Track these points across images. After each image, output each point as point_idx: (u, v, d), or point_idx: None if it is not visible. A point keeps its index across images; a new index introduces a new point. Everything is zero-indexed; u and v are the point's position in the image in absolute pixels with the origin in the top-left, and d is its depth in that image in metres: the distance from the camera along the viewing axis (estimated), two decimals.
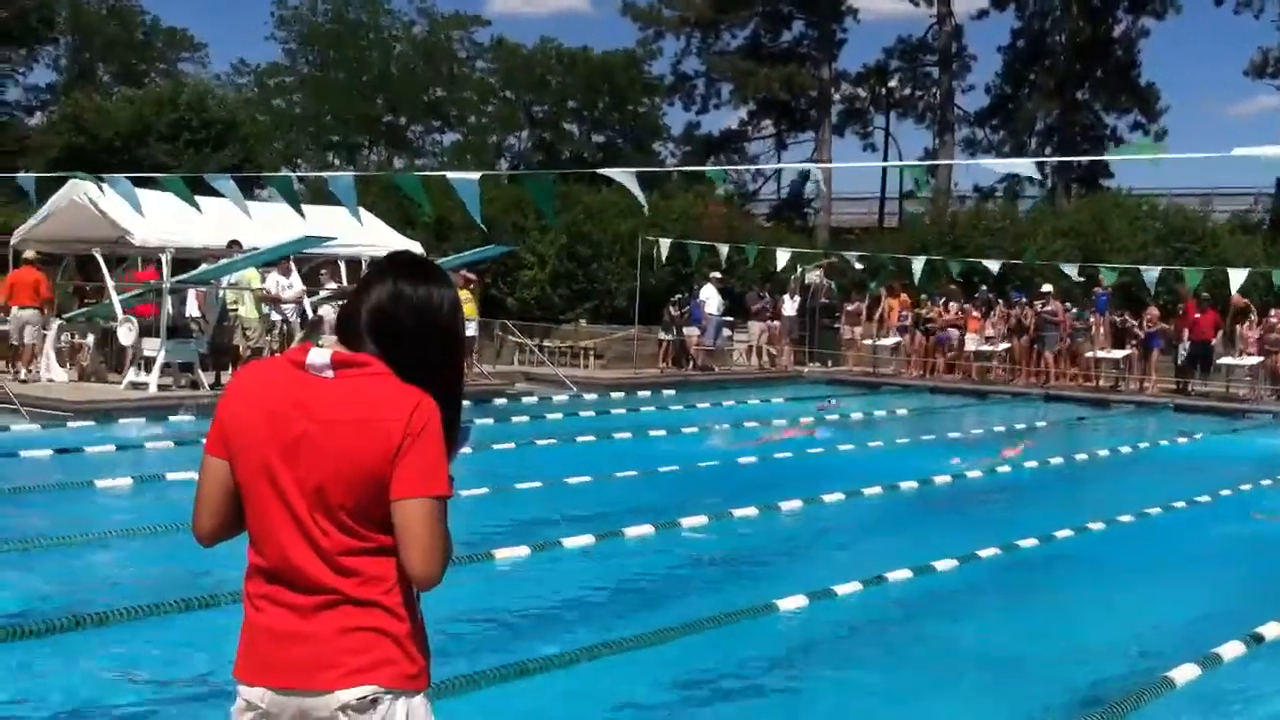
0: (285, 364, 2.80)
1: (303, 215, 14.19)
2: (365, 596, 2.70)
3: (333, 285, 21.11)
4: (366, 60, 46.86)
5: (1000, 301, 26.52)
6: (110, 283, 17.66)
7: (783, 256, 25.89)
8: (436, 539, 2.67)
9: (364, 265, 21.26)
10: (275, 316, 18.81)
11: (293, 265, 19.10)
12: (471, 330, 21.62)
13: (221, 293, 17.74)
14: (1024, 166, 13.50)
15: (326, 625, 2.69)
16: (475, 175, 13.90)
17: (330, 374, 2.74)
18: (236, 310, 17.97)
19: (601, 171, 13.45)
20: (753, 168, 48.92)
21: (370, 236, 20.70)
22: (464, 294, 21.54)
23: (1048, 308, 25.01)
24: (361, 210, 18.94)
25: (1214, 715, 6.27)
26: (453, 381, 2.88)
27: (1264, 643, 7.14)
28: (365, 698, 2.67)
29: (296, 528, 2.70)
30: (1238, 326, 23.66)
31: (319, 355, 2.75)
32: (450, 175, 14.14)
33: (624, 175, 12.90)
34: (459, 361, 2.94)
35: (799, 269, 28.71)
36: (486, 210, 24.08)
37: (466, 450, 3.06)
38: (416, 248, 22.22)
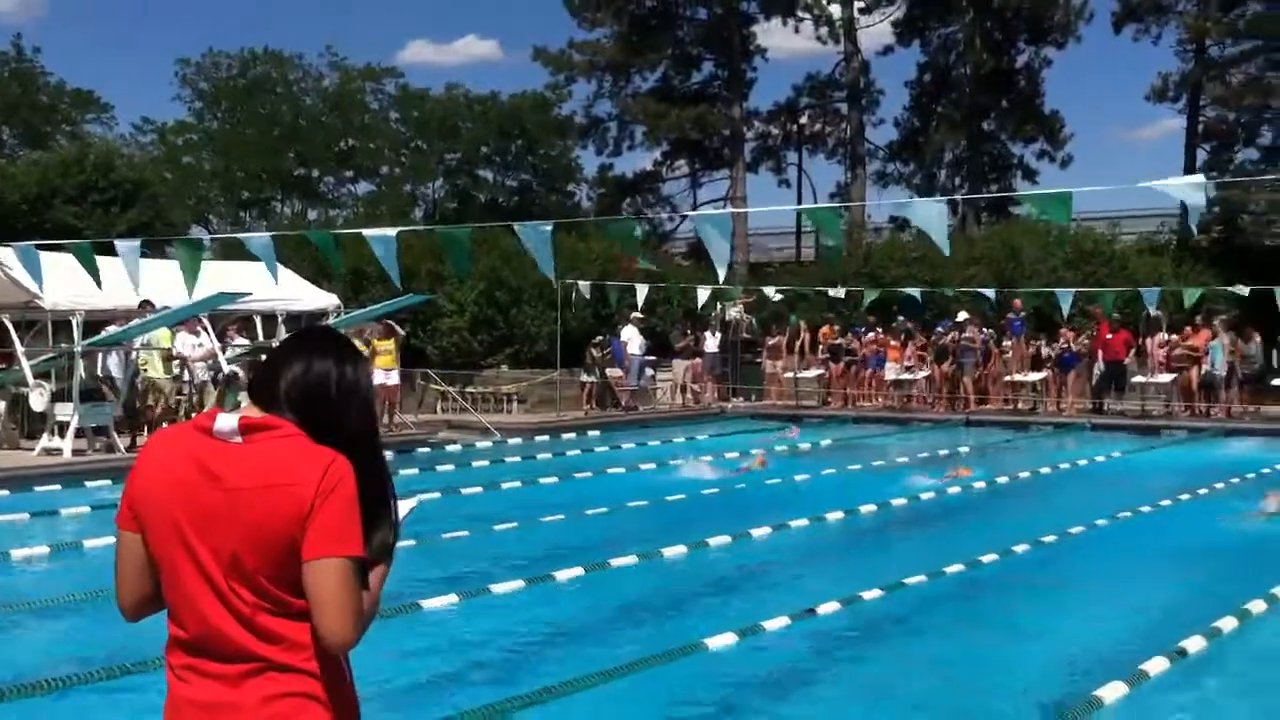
0: (193, 431, 2.76)
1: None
2: (290, 662, 2.66)
3: (243, 341, 20.83)
4: (276, 114, 46.61)
5: (917, 330, 26.86)
6: (20, 348, 17.31)
7: (703, 294, 26.07)
8: (348, 600, 2.62)
9: (279, 320, 21.09)
10: (185, 376, 18.52)
11: (204, 323, 18.84)
12: (394, 379, 21.47)
13: (134, 354, 17.46)
14: (932, 206, 13.45)
15: (252, 694, 2.64)
16: (392, 231, 13.90)
17: (239, 439, 2.70)
18: (146, 371, 17.70)
19: (518, 227, 13.45)
20: (669, 213, 49.14)
21: (285, 291, 20.51)
22: (388, 343, 21.44)
23: (965, 334, 25.37)
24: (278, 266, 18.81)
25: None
26: (372, 446, 2.86)
27: (1188, 656, 7.24)
28: None
29: (215, 596, 2.66)
30: (1149, 341, 24.14)
31: (226, 421, 2.71)
32: (366, 232, 14.12)
33: (536, 238, 12.94)
34: (376, 429, 2.94)
35: (719, 305, 28.89)
36: (403, 260, 23.99)
37: (408, 509, 3.05)
38: (333, 300, 22.15)
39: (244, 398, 2.84)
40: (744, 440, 21.01)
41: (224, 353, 19.34)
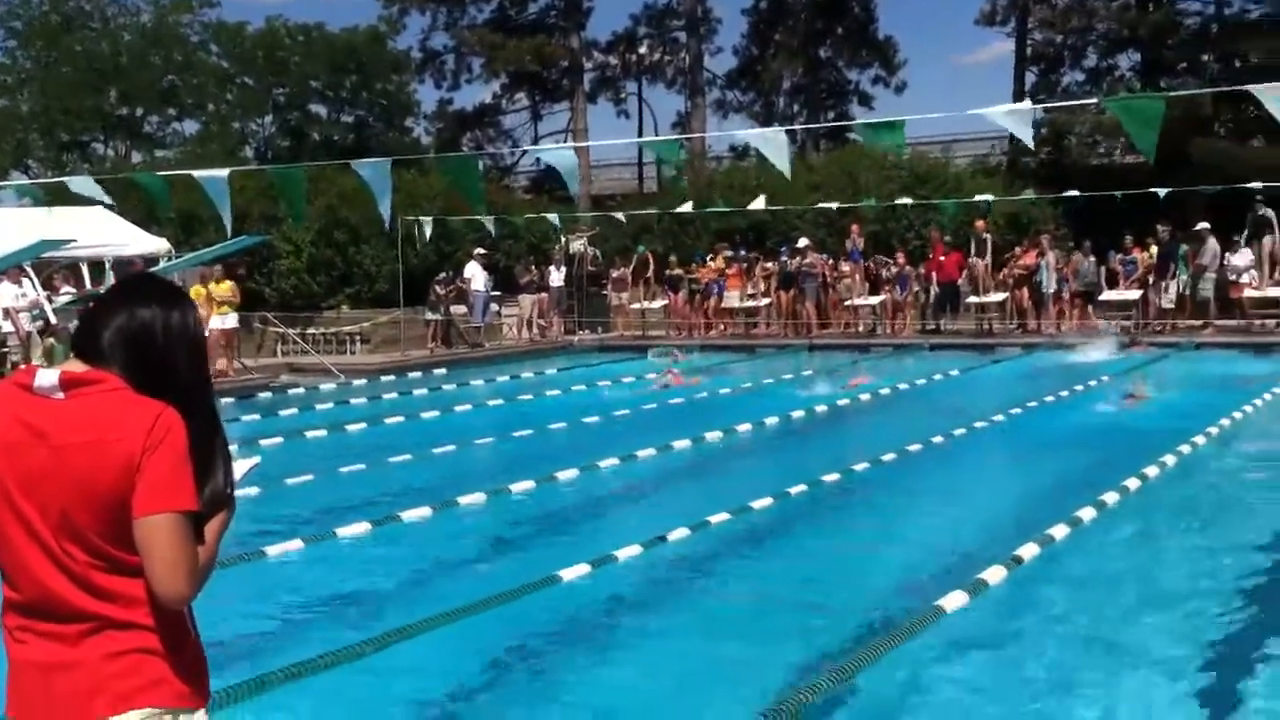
0: (13, 388, 2.67)
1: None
2: (128, 619, 2.61)
3: (71, 290, 20.07)
4: (94, 52, 44.60)
5: (760, 257, 27.17)
6: None
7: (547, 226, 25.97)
8: (180, 555, 2.57)
9: (108, 266, 20.35)
10: (8, 328, 17.77)
11: (28, 272, 18.08)
12: (233, 322, 20.95)
13: None
14: (771, 136, 13.45)
15: (92, 652, 2.60)
16: (223, 172, 13.44)
17: (60, 395, 2.61)
18: None
19: (356, 165, 13.14)
20: (510, 148, 48.66)
21: (113, 236, 19.81)
22: (225, 286, 20.88)
23: (806, 260, 25.72)
24: (102, 210, 18.10)
25: (983, 637, 6.53)
26: (202, 394, 2.79)
27: (1024, 564, 7.49)
28: None
29: (47, 557, 2.59)
30: (979, 260, 24.78)
31: (47, 377, 2.62)
32: (197, 173, 13.63)
33: (375, 176, 12.66)
34: (205, 374, 2.86)
35: (563, 239, 28.78)
36: (236, 200, 23.34)
37: (247, 468, 2.95)
38: (163, 244, 21.45)
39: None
40: (581, 375, 21.05)
41: (50, 303, 18.60)
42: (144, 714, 2.60)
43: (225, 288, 20.91)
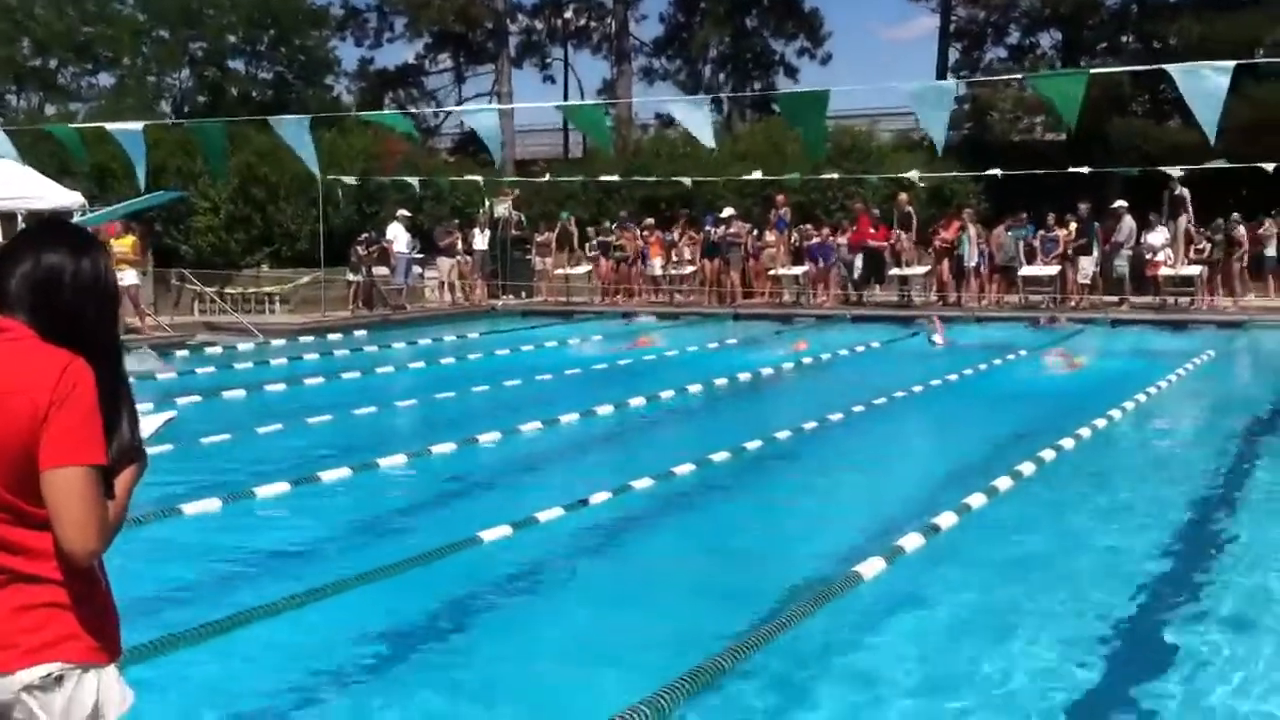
0: None
1: None
2: (36, 572, 2.57)
3: None
4: (5, 1, 43.35)
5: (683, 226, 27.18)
6: None
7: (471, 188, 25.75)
8: (89, 510, 2.52)
9: (20, 219, 19.85)
10: None
11: None
12: (134, 278, 20.50)
13: None
14: (694, 106, 13.31)
15: (1, 606, 2.55)
16: (138, 125, 13.15)
17: None
18: None
19: (275, 122, 12.90)
20: (439, 109, 48.15)
21: (25, 189, 19.31)
22: (125, 242, 20.44)
23: (730, 230, 25.78)
24: (13, 163, 17.63)
25: (901, 601, 6.59)
26: (111, 345, 2.74)
27: (940, 532, 7.57)
28: (49, 675, 2.56)
29: None
30: (902, 233, 24.99)
31: None
32: (110, 126, 13.33)
33: (296, 133, 12.46)
34: (115, 325, 2.80)
35: (487, 202, 28.56)
36: (152, 155, 22.86)
37: (163, 420, 2.87)
38: (77, 198, 20.95)
39: None
40: (503, 340, 20.97)
41: None
42: (52, 668, 2.57)
43: (126, 243, 20.48)
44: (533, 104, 41.98)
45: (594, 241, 27.61)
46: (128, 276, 20.21)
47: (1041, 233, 24.18)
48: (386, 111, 32.61)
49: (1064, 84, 10.77)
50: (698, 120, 12.22)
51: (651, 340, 20.49)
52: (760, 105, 42.51)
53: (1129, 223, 23.38)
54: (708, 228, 26.31)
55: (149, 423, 2.86)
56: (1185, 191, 23.42)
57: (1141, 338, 20.40)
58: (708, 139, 12.40)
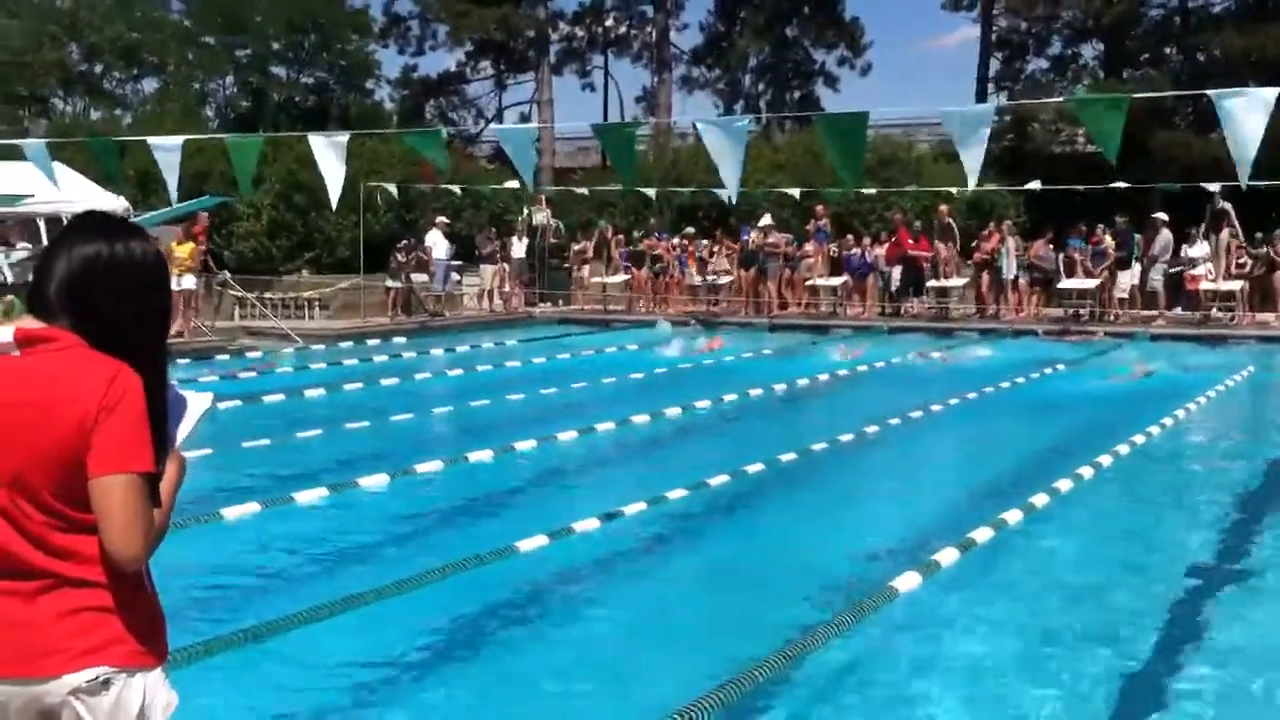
0: None
1: None
2: (84, 577, 2.60)
3: (27, 246, 19.79)
4: (53, 5, 43.80)
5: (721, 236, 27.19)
6: None
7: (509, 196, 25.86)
8: (135, 516, 2.56)
9: (64, 223, 20.10)
10: None
11: None
12: (191, 283, 20.73)
13: None
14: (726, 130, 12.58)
15: (47, 609, 2.59)
16: (178, 140, 13.25)
17: (16, 353, 2.59)
18: None
19: (312, 139, 12.93)
20: (460, 131, 48.34)
21: (70, 193, 19.52)
22: (185, 249, 20.67)
23: (769, 239, 25.76)
24: (59, 166, 17.83)
25: (934, 616, 6.60)
26: (156, 350, 2.75)
27: (975, 547, 7.56)
28: (96, 679, 2.59)
29: (2, 515, 2.59)
30: (941, 245, 24.90)
31: (1, 335, 2.60)
32: (152, 140, 13.44)
33: (328, 147, 12.43)
34: (162, 326, 2.80)
35: (526, 210, 28.66)
36: (196, 161, 23.08)
37: (203, 409, 2.91)
38: (121, 203, 21.18)
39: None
40: (541, 347, 21.02)
41: (6, 259, 18.36)
42: (99, 672, 2.60)
43: (186, 250, 20.71)
44: (565, 124, 41.89)
45: (623, 251, 27.66)
46: (185, 282, 20.44)
47: (1089, 245, 23.98)
48: (422, 130, 32.70)
49: (1104, 116, 10.13)
50: (730, 141, 11.50)
51: (719, 344, 20.97)
52: (799, 116, 42.45)
53: (1165, 236, 23.19)
54: (745, 237, 26.29)
55: (189, 414, 2.88)
56: (1228, 205, 23.19)
57: (1178, 352, 20.20)
58: (733, 173, 11.35)
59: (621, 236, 27.99)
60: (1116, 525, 8.95)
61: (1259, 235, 23.22)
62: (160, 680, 2.71)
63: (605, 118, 46.47)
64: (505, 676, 5.90)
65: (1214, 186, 21.83)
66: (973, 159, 10.09)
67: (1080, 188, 22.43)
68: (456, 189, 26.07)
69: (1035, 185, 24.25)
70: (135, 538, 2.56)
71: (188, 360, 17.73)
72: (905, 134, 35.94)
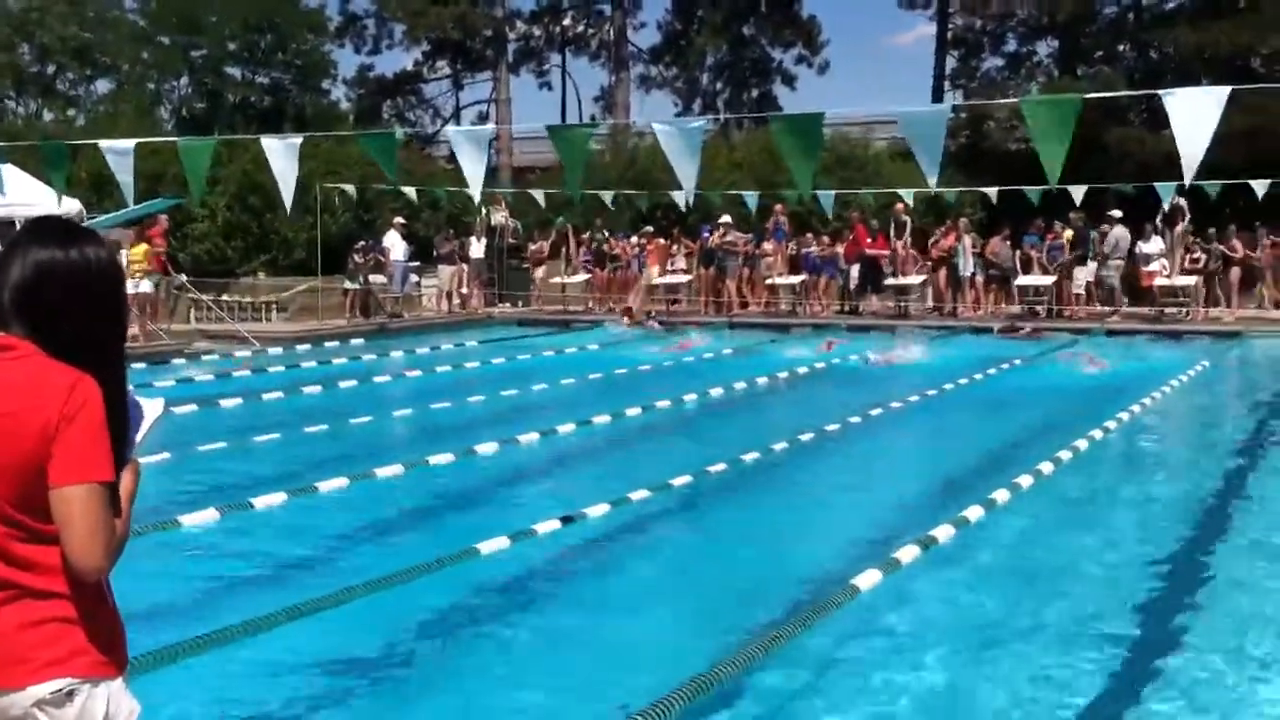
0: None
1: None
2: (45, 588, 2.59)
3: None
4: (3, 6, 43.22)
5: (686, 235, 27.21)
6: None
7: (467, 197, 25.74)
8: (96, 526, 2.55)
9: (17, 227, 19.87)
10: None
11: None
12: (147, 287, 20.53)
13: None
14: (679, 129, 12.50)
15: (10, 620, 2.58)
16: (129, 143, 13.13)
17: None
18: None
19: (265, 141, 12.84)
20: (431, 116, 48.15)
21: (22, 195, 19.31)
22: (138, 251, 20.47)
23: (727, 238, 25.80)
24: (11, 168, 17.63)
25: (898, 612, 6.62)
26: (114, 356, 2.73)
27: (937, 545, 7.58)
28: (61, 690, 2.59)
29: None
30: (899, 243, 25.03)
31: None
32: (103, 144, 13.32)
33: (281, 150, 12.35)
34: (119, 332, 2.78)
35: (484, 210, 28.58)
36: (150, 163, 22.86)
37: (145, 429, 2.87)
38: (75, 205, 20.95)
39: None
40: (500, 349, 20.96)
41: None
42: (63, 683, 2.59)
43: (139, 252, 20.52)
44: (520, 125, 41.68)
45: (583, 250, 27.64)
46: (141, 285, 20.24)
47: (1047, 243, 24.16)
48: (377, 131, 32.55)
49: (1052, 121, 9.94)
50: (684, 143, 11.48)
51: (694, 342, 21.42)
52: (758, 111, 42.54)
53: (1118, 232, 23.42)
54: (704, 236, 26.31)
55: (144, 422, 2.86)
56: (1183, 201, 23.43)
57: (1135, 347, 20.40)
58: (689, 175, 11.37)
59: (586, 236, 27.92)
60: (1073, 520, 9.00)
61: (1212, 232, 23.45)
62: (122, 689, 2.71)
63: (563, 117, 46.47)
64: (466, 679, 5.87)
65: (1165, 186, 21.90)
66: (929, 160, 10.09)
67: (1036, 189, 22.52)
68: (411, 191, 25.91)
69: (989, 190, 24.27)
70: (97, 547, 2.55)
71: (143, 364, 17.56)
72: (864, 132, 36.07)
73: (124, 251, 20.16)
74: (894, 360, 18.36)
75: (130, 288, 19.52)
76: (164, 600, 6.71)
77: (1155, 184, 21.26)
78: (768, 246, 26.16)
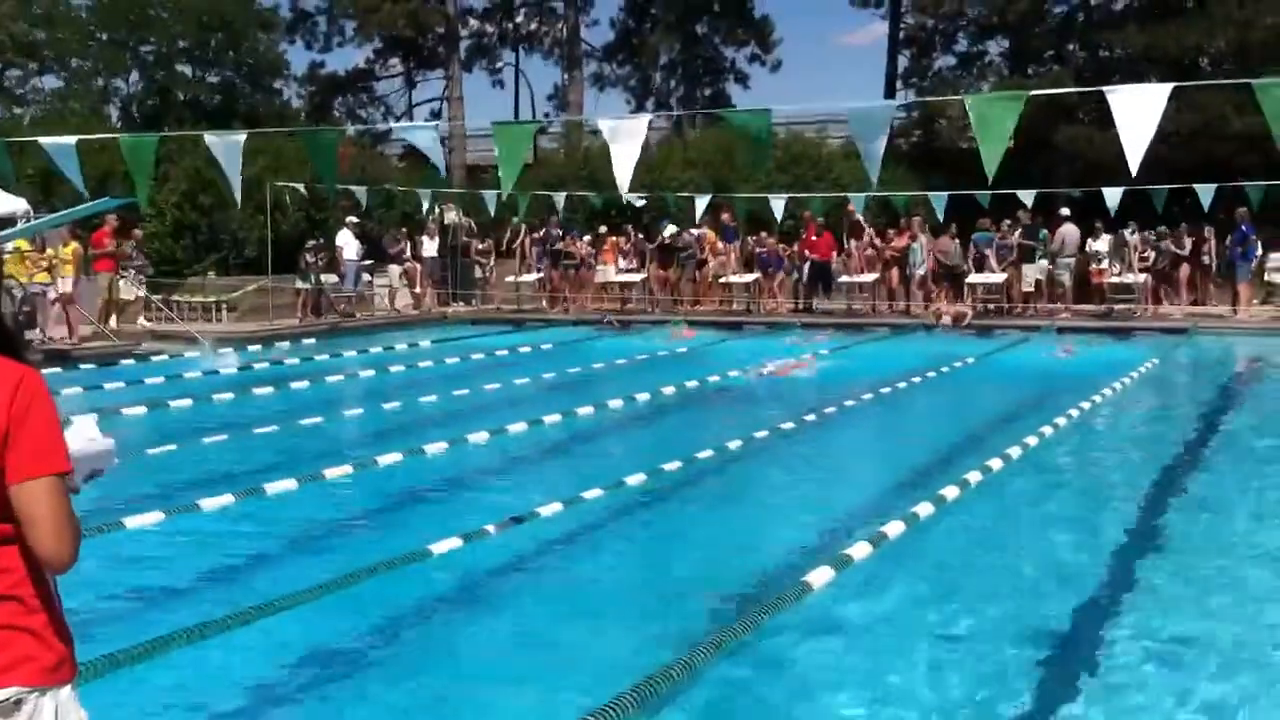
0: None
1: None
2: None
3: None
4: None
5: (640, 234, 27.23)
6: None
7: (421, 197, 25.70)
8: (65, 517, 2.54)
9: None
10: None
11: None
12: (67, 285, 20.20)
13: None
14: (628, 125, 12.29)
15: None
16: (70, 140, 12.99)
17: None
18: None
19: (208, 138, 12.72)
20: (370, 127, 47.91)
21: None
22: (67, 249, 20.24)
23: (682, 237, 25.83)
24: None
25: (849, 608, 6.65)
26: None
27: (888, 540, 7.61)
28: (9, 700, 2.55)
29: None
30: (853, 241, 25.14)
31: None
32: (44, 141, 13.18)
33: (226, 147, 12.26)
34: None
35: (437, 209, 28.45)
36: (98, 161, 22.61)
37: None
38: (21, 204, 20.68)
39: None
40: (453, 348, 20.91)
41: None
42: (11, 692, 2.56)
43: (67, 251, 20.33)
44: (474, 123, 41.59)
45: (536, 250, 27.60)
46: (63, 284, 19.97)
47: (997, 240, 24.32)
48: (322, 128, 32.34)
49: (993, 127, 10.17)
50: (624, 145, 10.82)
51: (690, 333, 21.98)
52: (710, 113, 42.60)
53: (1068, 230, 23.63)
54: (664, 235, 26.29)
55: (98, 460, 2.87)
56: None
57: (1085, 344, 20.59)
58: (625, 176, 10.69)
59: (539, 234, 27.83)
60: (1029, 514, 9.07)
61: (1162, 229, 23.69)
62: (71, 698, 2.67)
63: (516, 115, 46.33)
64: (419, 680, 5.83)
65: (1111, 192, 21.89)
66: (873, 157, 10.20)
67: (983, 192, 22.68)
68: (362, 190, 25.79)
69: (939, 193, 24.39)
70: (67, 538, 2.54)
71: (92, 365, 17.37)
72: (818, 131, 36.20)
73: (50, 250, 19.94)
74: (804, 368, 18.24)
75: (57, 286, 19.32)
76: (109, 605, 6.63)
77: (1103, 189, 21.44)
78: (720, 246, 26.21)
